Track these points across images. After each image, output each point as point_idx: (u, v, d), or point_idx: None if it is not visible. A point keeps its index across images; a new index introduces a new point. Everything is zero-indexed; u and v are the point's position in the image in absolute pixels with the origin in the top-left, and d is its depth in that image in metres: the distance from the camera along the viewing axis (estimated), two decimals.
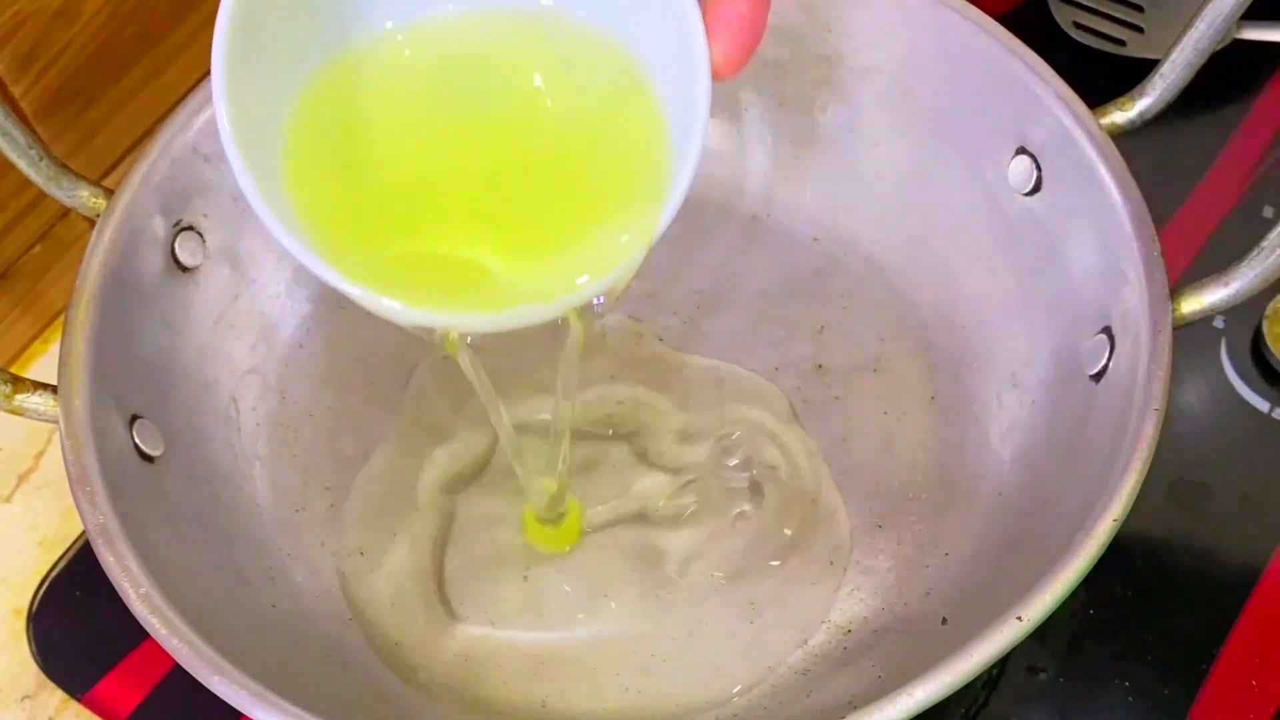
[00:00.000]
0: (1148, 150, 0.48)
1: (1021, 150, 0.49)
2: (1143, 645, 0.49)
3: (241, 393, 0.51)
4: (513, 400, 0.49)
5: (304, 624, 0.46)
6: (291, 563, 0.48)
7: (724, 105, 0.56)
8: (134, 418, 0.44)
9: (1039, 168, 0.48)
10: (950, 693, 0.35)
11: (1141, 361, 0.41)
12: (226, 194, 0.50)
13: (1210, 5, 0.45)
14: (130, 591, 0.38)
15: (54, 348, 0.58)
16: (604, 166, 0.37)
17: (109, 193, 0.46)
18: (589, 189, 0.37)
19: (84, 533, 0.50)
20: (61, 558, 0.52)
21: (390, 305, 0.34)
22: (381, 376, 0.54)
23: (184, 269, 0.48)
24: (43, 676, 0.50)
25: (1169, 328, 0.41)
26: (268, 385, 0.52)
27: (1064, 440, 0.46)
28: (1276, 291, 0.54)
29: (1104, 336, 0.45)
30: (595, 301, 0.35)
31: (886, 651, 0.46)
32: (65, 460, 0.41)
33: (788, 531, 0.49)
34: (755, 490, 0.50)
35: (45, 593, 0.52)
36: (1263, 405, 0.54)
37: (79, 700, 0.50)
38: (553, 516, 0.49)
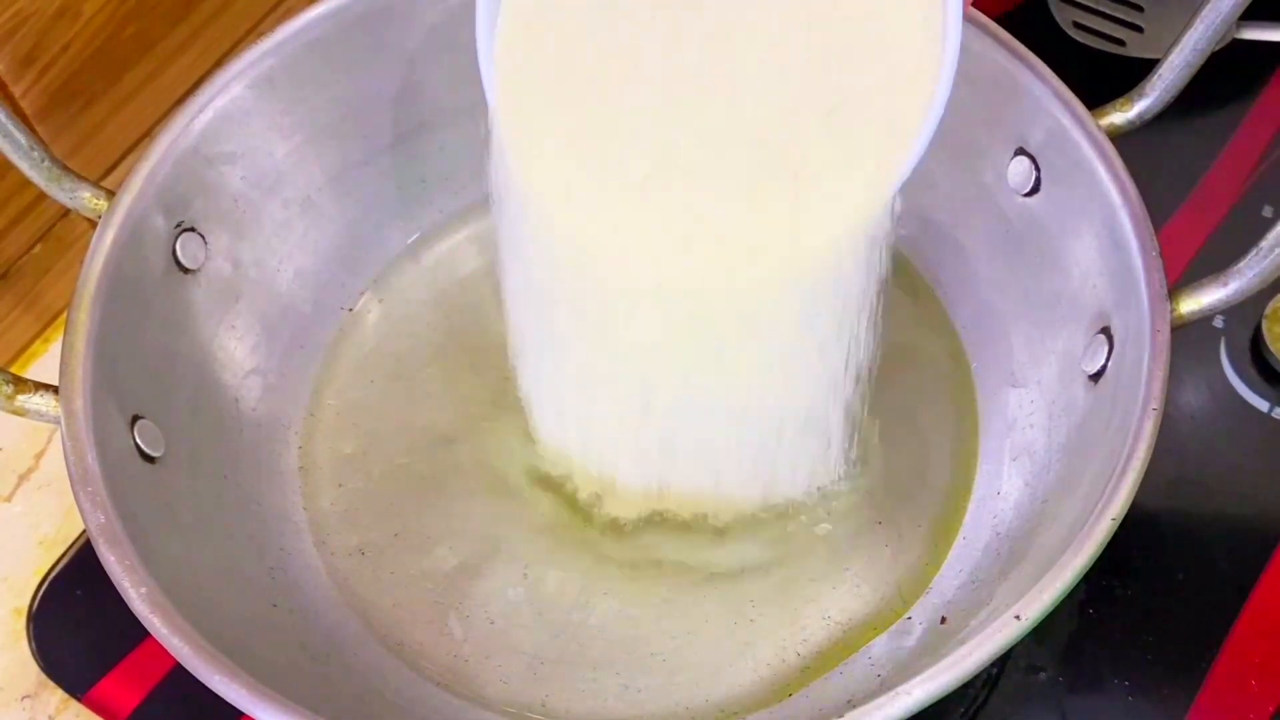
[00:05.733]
0: (1147, 151, 0.48)
1: (1021, 151, 0.49)
2: (1142, 645, 0.49)
3: (243, 393, 0.51)
4: None
5: (304, 623, 0.47)
6: (292, 562, 0.49)
7: None
8: (135, 418, 0.44)
9: (1038, 168, 0.48)
10: (949, 692, 0.35)
11: (1140, 361, 0.41)
12: (228, 195, 0.50)
13: (1209, 5, 0.45)
14: (131, 591, 0.38)
15: (55, 348, 0.58)
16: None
17: (110, 194, 0.46)
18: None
19: (84, 532, 0.50)
20: (62, 557, 0.52)
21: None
22: (381, 376, 0.54)
23: (185, 270, 0.48)
24: (43, 676, 0.50)
25: (1168, 328, 0.41)
26: (269, 386, 0.52)
27: (1063, 439, 0.46)
28: (1276, 291, 0.54)
29: (1103, 336, 0.45)
30: None
31: (886, 650, 0.46)
32: (67, 460, 0.41)
33: (787, 529, 0.49)
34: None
35: (45, 592, 0.52)
36: (1262, 405, 0.54)
37: (79, 700, 0.50)
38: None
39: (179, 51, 0.57)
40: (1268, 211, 0.59)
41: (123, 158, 0.57)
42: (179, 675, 0.38)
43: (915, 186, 0.54)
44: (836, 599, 0.48)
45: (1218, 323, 0.56)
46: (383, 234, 0.56)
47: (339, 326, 0.55)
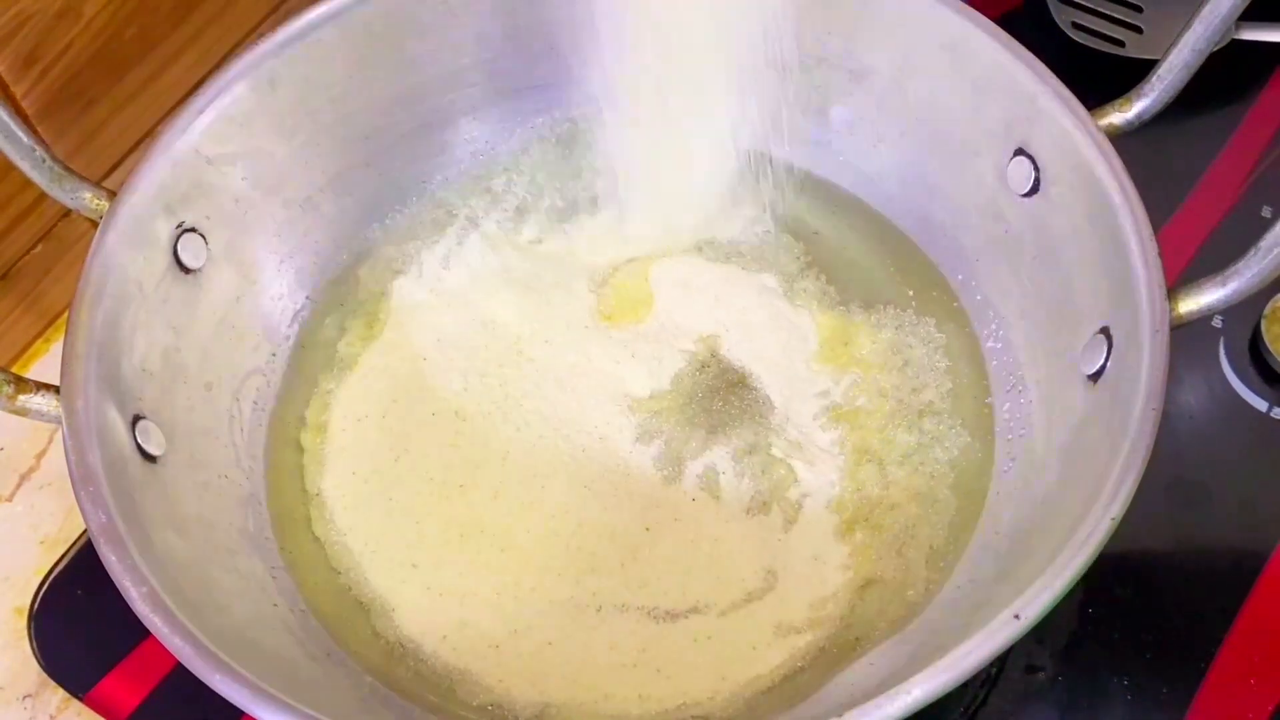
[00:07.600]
0: (1146, 151, 0.48)
1: (1020, 152, 0.49)
2: (1141, 644, 0.49)
3: (244, 393, 0.51)
4: None
5: (304, 623, 0.47)
6: (292, 562, 0.49)
7: None
8: (136, 418, 0.44)
9: (1037, 169, 0.48)
10: (949, 691, 0.35)
11: (1140, 361, 0.41)
12: (229, 196, 0.50)
13: (1208, 6, 0.45)
14: (132, 590, 0.39)
15: (56, 348, 0.58)
16: None
17: (111, 194, 0.46)
18: None
19: (85, 532, 0.50)
20: (63, 557, 0.52)
21: None
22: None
23: (186, 270, 0.48)
24: (44, 675, 0.51)
25: (1167, 328, 0.41)
26: (269, 386, 0.52)
27: (1062, 439, 0.46)
28: (1274, 291, 0.54)
29: (1102, 336, 0.45)
30: None
31: (886, 649, 0.46)
32: (68, 460, 0.41)
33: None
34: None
35: (46, 592, 0.52)
36: (1261, 405, 0.54)
37: (80, 699, 0.50)
38: None
39: (180, 52, 0.57)
40: (1267, 212, 0.59)
41: (124, 158, 0.58)
42: (179, 675, 0.38)
43: (916, 187, 0.54)
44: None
45: (1217, 323, 0.56)
46: (383, 234, 0.56)
47: (339, 326, 0.55)
